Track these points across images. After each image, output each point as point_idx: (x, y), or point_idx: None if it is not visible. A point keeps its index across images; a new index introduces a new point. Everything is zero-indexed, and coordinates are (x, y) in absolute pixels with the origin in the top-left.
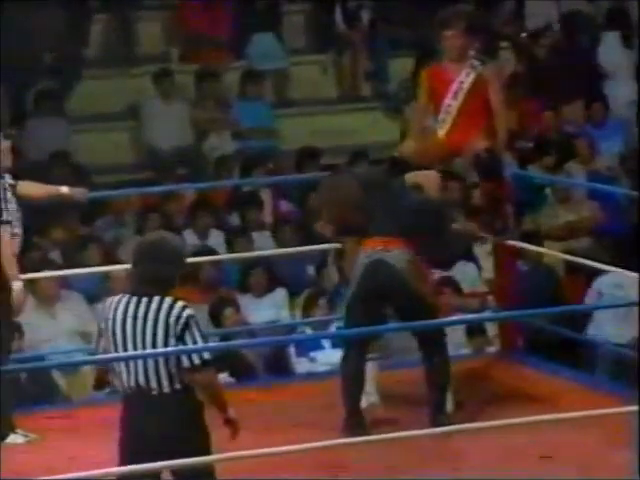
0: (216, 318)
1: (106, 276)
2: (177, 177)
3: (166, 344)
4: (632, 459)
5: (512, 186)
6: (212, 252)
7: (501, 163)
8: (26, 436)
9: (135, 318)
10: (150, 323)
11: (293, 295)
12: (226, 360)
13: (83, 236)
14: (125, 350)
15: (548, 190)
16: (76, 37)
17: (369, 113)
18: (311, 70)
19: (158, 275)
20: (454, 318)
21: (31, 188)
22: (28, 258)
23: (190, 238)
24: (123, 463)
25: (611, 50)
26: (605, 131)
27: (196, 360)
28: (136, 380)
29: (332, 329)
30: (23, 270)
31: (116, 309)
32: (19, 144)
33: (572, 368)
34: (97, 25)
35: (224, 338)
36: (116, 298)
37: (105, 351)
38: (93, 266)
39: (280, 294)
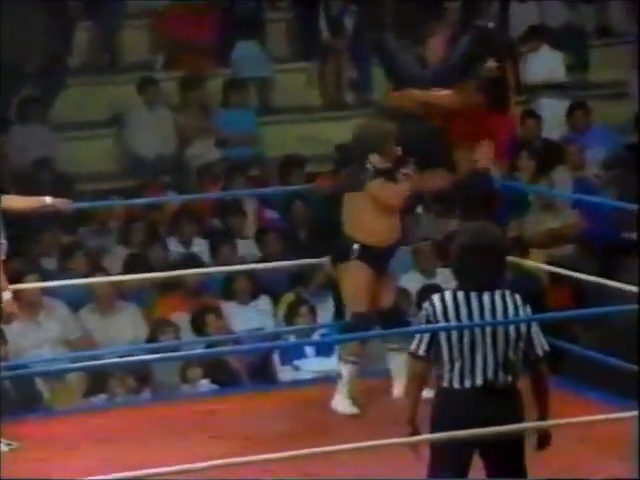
0: (199, 326)
1: (90, 284)
2: (161, 185)
3: (518, 338)
4: (630, 469)
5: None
6: (196, 259)
7: (492, 184)
8: (9, 444)
9: (482, 314)
10: (500, 317)
11: (277, 301)
12: (209, 367)
13: (67, 245)
14: (473, 350)
15: (531, 197)
16: (60, 44)
17: (353, 121)
18: (295, 78)
19: (493, 267)
20: (435, 325)
21: (15, 202)
22: (12, 267)
23: (174, 246)
24: (448, 460)
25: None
26: (588, 138)
27: (541, 351)
28: (485, 375)
29: (316, 337)
30: (8, 279)
31: (456, 308)
32: (2, 152)
33: (558, 375)
34: (81, 32)
35: (208, 346)
36: (447, 297)
37: (436, 356)
38: (77, 275)
39: (264, 302)
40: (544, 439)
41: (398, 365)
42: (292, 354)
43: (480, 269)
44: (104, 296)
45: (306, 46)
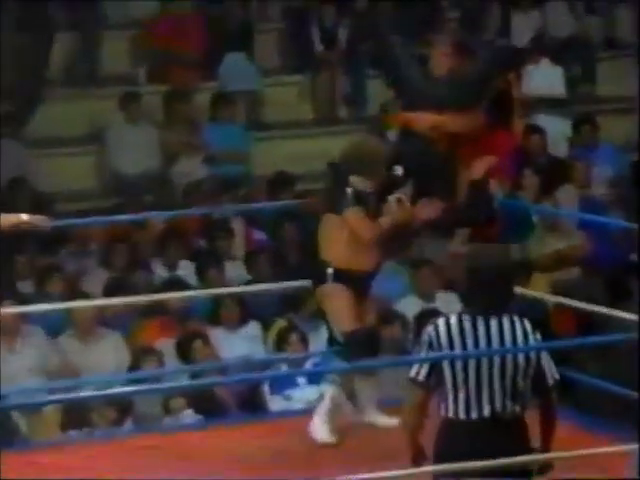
0: (185, 353)
1: (69, 309)
2: (144, 204)
3: (527, 366)
4: None
5: (502, 223)
6: (181, 283)
7: (493, 203)
8: None
9: (489, 340)
10: (508, 343)
11: (267, 327)
12: (194, 397)
13: (45, 267)
14: (479, 378)
15: (535, 217)
16: (37, 56)
17: (347, 137)
18: (286, 91)
19: (501, 291)
20: (437, 354)
21: None
22: None
23: (158, 269)
24: None
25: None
26: (596, 154)
27: (551, 380)
28: (492, 405)
29: (308, 365)
30: None
31: (462, 333)
32: None
33: (564, 407)
34: (59, 44)
35: (194, 375)
36: (452, 320)
37: (438, 383)
38: (55, 299)
39: (253, 328)
40: (545, 468)
41: (364, 390)
42: (283, 383)
43: (488, 293)
44: (84, 322)
45: (298, 58)
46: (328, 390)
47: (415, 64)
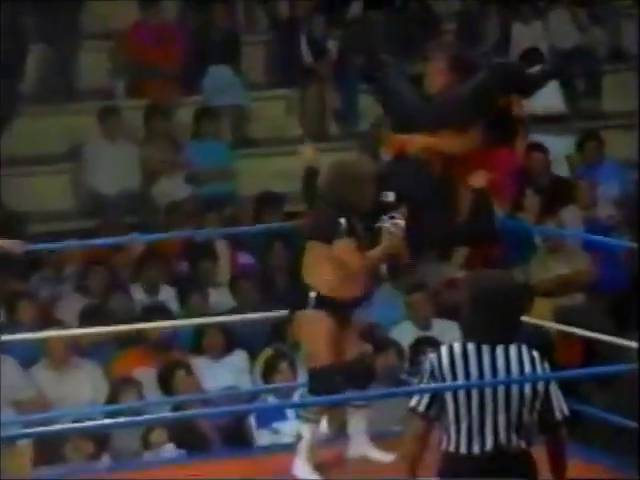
0: (166, 384)
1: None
2: (124, 226)
3: (534, 398)
4: None
5: (503, 245)
6: (162, 309)
7: (494, 227)
8: None
9: (495, 370)
10: (515, 374)
11: (254, 357)
12: (176, 430)
13: (17, 293)
14: (483, 410)
15: (538, 239)
16: (10, 69)
17: (338, 154)
18: (273, 106)
19: (509, 318)
20: (439, 385)
21: None
22: None
23: (138, 294)
24: None
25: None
26: (601, 173)
27: (560, 415)
28: (495, 438)
29: (297, 396)
30: None
31: (466, 362)
32: None
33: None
34: (33, 56)
35: (175, 407)
36: (456, 349)
37: (440, 414)
38: (28, 328)
39: (239, 357)
40: None
41: (355, 423)
42: (270, 416)
43: (494, 320)
44: (59, 351)
45: (286, 71)
46: (303, 428)
47: (406, 83)
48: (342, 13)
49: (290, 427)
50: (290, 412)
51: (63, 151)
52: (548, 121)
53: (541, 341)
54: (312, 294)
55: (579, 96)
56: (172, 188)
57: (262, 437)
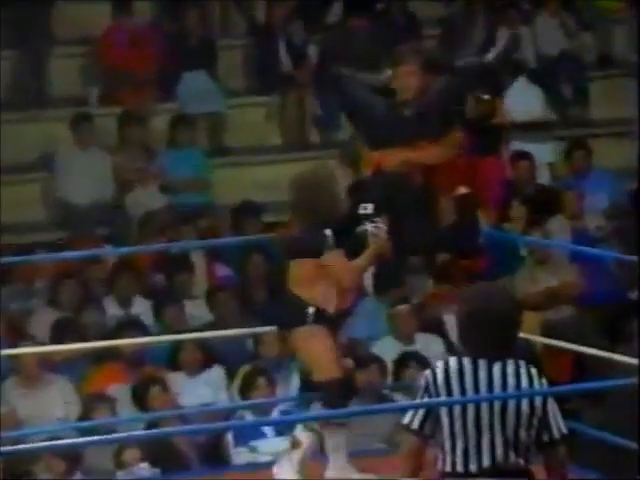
0: (141, 400)
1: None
2: (96, 238)
3: (532, 415)
4: None
5: (488, 257)
6: (137, 324)
7: (479, 235)
8: None
9: (491, 386)
10: (512, 391)
11: (232, 373)
12: (151, 448)
13: None
14: (479, 427)
15: (525, 250)
16: None
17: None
18: (251, 114)
19: (506, 333)
20: (432, 400)
21: None
22: None
23: (112, 308)
24: None
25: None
26: (589, 183)
27: (557, 434)
28: (493, 456)
29: (275, 414)
30: None
31: (461, 378)
32: None
33: None
34: (3, 62)
35: (150, 424)
36: (451, 364)
37: (435, 432)
38: None
39: (217, 372)
40: None
41: (333, 443)
42: (248, 433)
43: (491, 335)
44: (29, 368)
45: (264, 77)
46: (303, 436)
47: (375, 98)
48: (321, 18)
49: (268, 445)
50: (269, 430)
51: (34, 160)
52: (528, 128)
53: (527, 356)
54: (311, 309)
55: (566, 103)
56: (146, 198)
57: (240, 455)
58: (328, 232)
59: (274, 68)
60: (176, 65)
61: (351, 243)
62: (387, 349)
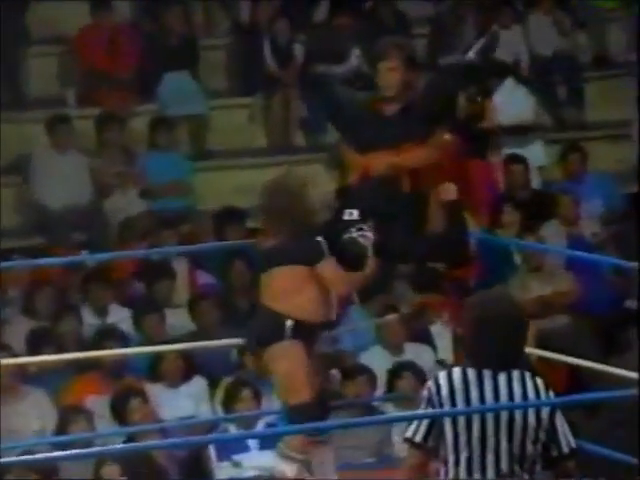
0: (119, 412)
1: None
2: (74, 244)
3: (538, 428)
4: None
5: (480, 265)
6: (116, 333)
7: (468, 242)
8: None
9: (497, 398)
10: (515, 402)
11: (214, 384)
12: (130, 463)
13: None
14: (484, 440)
15: (518, 257)
16: None
17: (304, 166)
18: (235, 115)
19: (513, 343)
20: (436, 411)
21: None
22: None
23: (90, 317)
24: None
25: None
26: (585, 187)
27: (566, 448)
28: (497, 469)
29: (260, 427)
30: None
31: (466, 389)
32: None
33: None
34: None
35: (129, 437)
36: (455, 375)
37: (439, 444)
38: None
39: (198, 384)
40: None
41: (319, 460)
42: (231, 447)
43: (496, 345)
44: (4, 379)
45: (248, 78)
46: (285, 468)
47: (357, 99)
48: (307, 16)
49: (252, 459)
50: (253, 443)
51: (9, 163)
52: (515, 131)
53: (520, 366)
54: (289, 323)
55: (561, 105)
56: (126, 203)
57: (222, 470)
58: (321, 240)
59: (258, 68)
60: (156, 65)
61: (336, 250)
62: (376, 359)
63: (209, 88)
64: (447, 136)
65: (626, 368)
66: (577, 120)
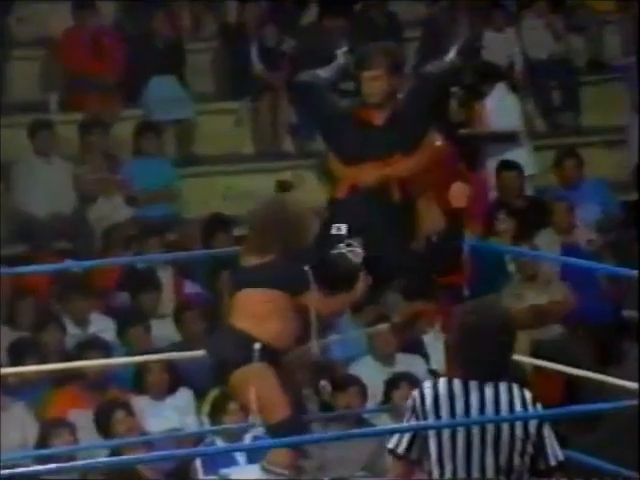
0: (104, 425)
1: None
2: (57, 252)
3: (526, 441)
4: None
5: (473, 273)
6: (100, 343)
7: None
8: None
9: (483, 410)
10: (504, 414)
11: (201, 396)
12: (114, 477)
13: None
14: (469, 452)
15: (512, 265)
16: None
17: (293, 173)
18: (222, 121)
19: (502, 353)
20: (420, 423)
21: None
22: None
23: (73, 327)
24: None
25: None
26: (580, 194)
27: (554, 461)
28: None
29: (247, 439)
30: None
31: (451, 400)
32: None
33: None
34: None
35: (113, 451)
36: (441, 385)
37: (421, 456)
38: None
39: (184, 396)
40: None
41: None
42: (218, 460)
43: (483, 355)
44: None
45: (235, 82)
46: None
47: (346, 114)
48: (296, 18)
49: (240, 473)
50: (240, 456)
51: None
52: (505, 139)
53: (515, 377)
54: (257, 346)
55: (555, 110)
56: (110, 210)
57: None
58: (308, 269)
59: (246, 72)
60: (142, 69)
61: (324, 267)
62: (366, 369)
63: (196, 92)
64: (438, 143)
65: (622, 379)
66: (572, 125)
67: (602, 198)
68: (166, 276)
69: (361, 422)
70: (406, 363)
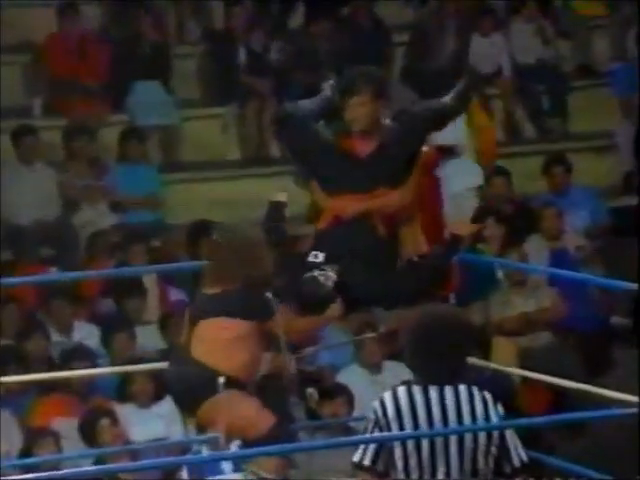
0: (88, 434)
1: None
2: (40, 259)
3: (489, 443)
4: None
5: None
6: (85, 351)
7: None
8: None
9: (445, 414)
10: (467, 418)
11: None
12: None
13: None
14: (434, 459)
15: (500, 272)
16: None
17: (279, 179)
18: (208, 126)
19: (458, 355)
20: (385, 435)
21: None
22: None
23: (58, 336)
24: None
25: None
26: (569, 201)
27: (518, 462)
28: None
29: (233, 448)
30: None
31: (413, 407)
32: None
33: None
34: None
35: (98, 459)
36: (400, 393)
37: (388, 466)
38: None
39: (170, 404)
40: None
41: None
42: (204, 469)
43: (440, 358)
44: None
45: (221, 88)
46: None
47: (330, 146)
48: (283, 23)
49: None
50: (226, 465)
51: None
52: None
53: (503, 386)
54: (221, 380)
55: (544, 115)
56: (95, 217)
57: None
58: (270, 296)
59: (232, 77)
60: (127, 74)
61: (296, 289)
62: (353, 377)
63: (181, 98)
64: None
65: (613, 386)
66: (561, 131)
67: (591, 204)
68: (151, 283)
69: (348, 431)
70: (393, 371)
